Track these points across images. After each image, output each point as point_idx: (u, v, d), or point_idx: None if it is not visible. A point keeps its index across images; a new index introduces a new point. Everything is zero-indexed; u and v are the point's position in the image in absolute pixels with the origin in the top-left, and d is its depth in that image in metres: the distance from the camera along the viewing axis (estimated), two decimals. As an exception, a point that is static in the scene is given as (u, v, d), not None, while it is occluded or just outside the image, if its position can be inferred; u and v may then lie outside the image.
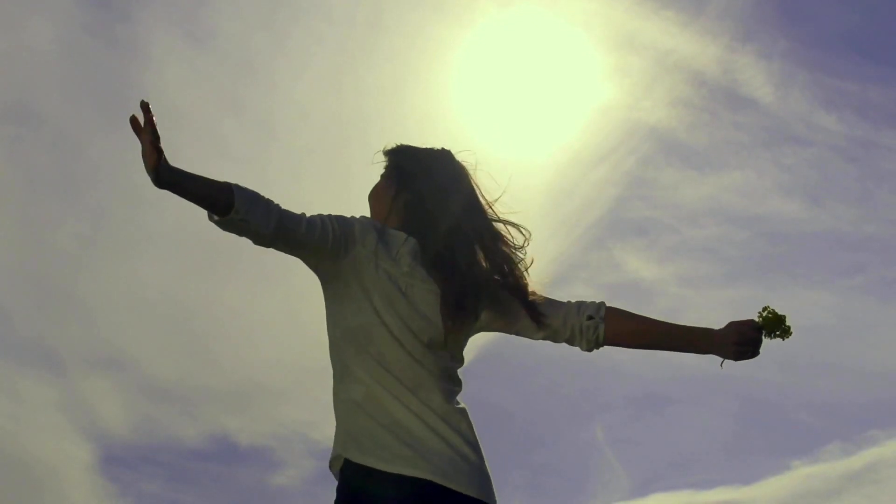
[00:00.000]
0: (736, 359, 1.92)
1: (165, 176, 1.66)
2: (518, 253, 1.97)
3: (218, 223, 1.72)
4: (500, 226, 1.99)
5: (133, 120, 1.66)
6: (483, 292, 1.92)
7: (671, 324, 1.96)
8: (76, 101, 7.90)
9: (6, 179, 7.91)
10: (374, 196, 2.07)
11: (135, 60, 7.75)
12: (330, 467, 1.86)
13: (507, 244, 1.98)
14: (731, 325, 1.92)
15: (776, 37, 8.53)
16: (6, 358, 7.72)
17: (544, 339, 2.03)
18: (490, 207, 2.00)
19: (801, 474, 8.08)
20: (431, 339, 1.83)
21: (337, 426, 1.84)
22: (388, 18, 7.80)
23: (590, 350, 2.01)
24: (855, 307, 8.87)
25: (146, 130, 1.65)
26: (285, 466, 8.15)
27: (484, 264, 1.95)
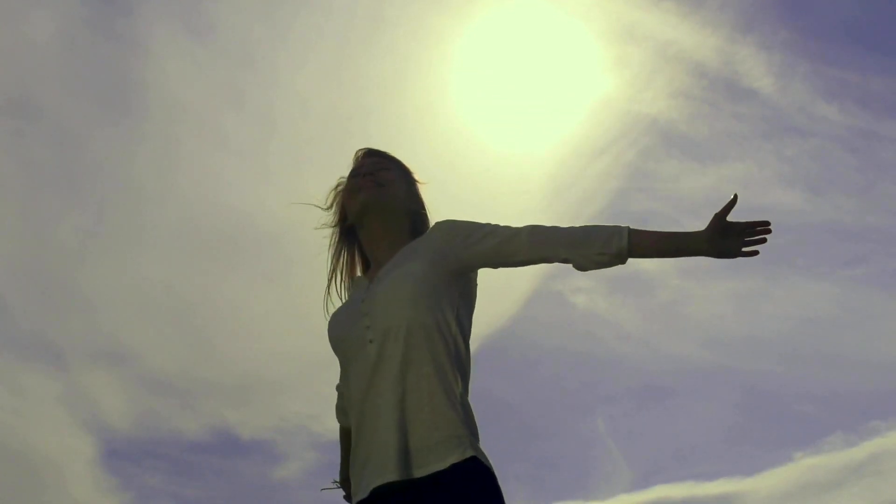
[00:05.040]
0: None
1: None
2: None
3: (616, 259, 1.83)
4: None
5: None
6: None
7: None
8: (77, 95, 7.89)
9: (7, 173, 7.91)
10: (397, 181, 2.06)
11: (135, 54, 7.74)
12: (457, 459, 1.71)
13: None
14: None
15: (777, 27, 8.51)
16: (7, 352, 7.74)
17: None
18: None
19: (803, 465, 8.09)
20: None
21: (452, 418, 1.74)
22: (388, 11, 7.78)
23: None
24: (857, 298, 8.87)
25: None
26: (287, 459, 8.17)
27: None
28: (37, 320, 7.97)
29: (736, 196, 1.79)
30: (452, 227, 1.95)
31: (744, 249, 1.81)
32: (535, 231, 1.89)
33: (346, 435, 2.17)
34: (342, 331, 1.90)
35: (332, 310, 2.06)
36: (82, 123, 7.90)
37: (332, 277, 2.12)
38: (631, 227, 1.82)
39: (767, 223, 1.80)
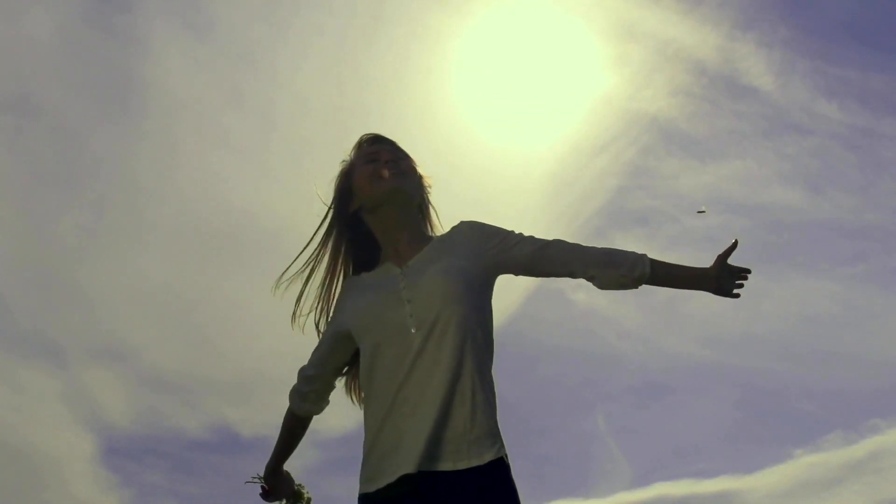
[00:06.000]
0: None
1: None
2: None
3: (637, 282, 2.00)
4: None
5: None
6: None
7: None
8: (77, 92, 7.89)
9: (7, 170, 7.91)
10: (415, 173, 2.08)
11: (135, 51, 7.74)
12: (493, 457, 1.75)
13: None
14: (287, 480, 2.23)
15: (777, 25, 8.51)
16: (8, 349, 7.74)
17: None
18: None
19: (803, 463, 8.09)
20: None
21: (489, 416, 1.79)
22: (388, 9, 7.78)
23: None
24: (856, 296, 8.87)
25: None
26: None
27: None
28: (37, 318, 7.97)
29: (736, 241, 1.99)
30: (485, 230, 2.01)
31: (734, 291, 2.02)
32: (564, 246, 1.99)
33: (296, 421, 2.15)
34: (378, 315, 1.87)
35: (308, 290, 2.08)
36: (82, 121, 7.90)
37: (328, 260, 2.10)
38: (648, 255, 1.98)
39: (749, 270, 2.02)
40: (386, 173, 2.00)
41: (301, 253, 2.10)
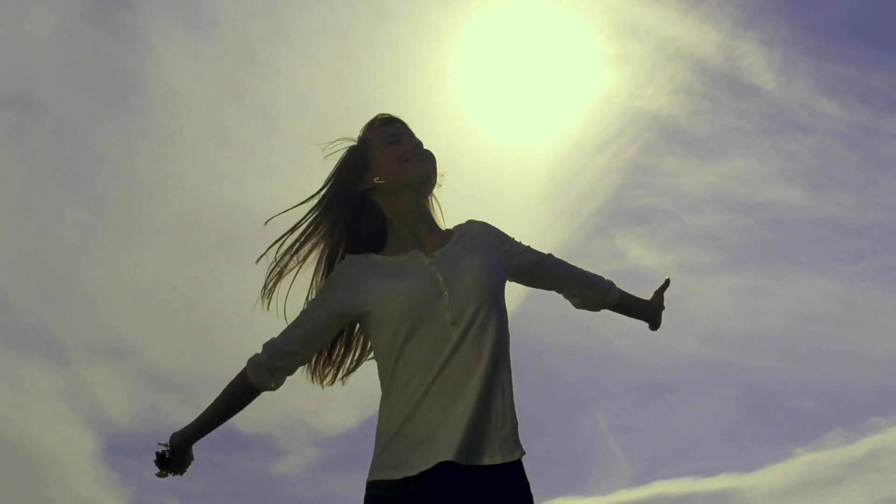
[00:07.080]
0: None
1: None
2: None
3: (607, 305, 2.26)
4: None
5: None
6: None
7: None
8: (77, 90, 7.89)
9: (7, 167, 7.91)
10: (436, 161, 2.06)
11: (136, 49, 7.73)
12: (520, 455, 1.78)
13: None
14: (190, 456, 2.05)
15: (778, 23, 8.50)
16: (8, 346, 7.75)
17: None
18: None
19: (804, 461, 8.10)
20: None
21: (515, 414, 1.83)
22: (389, 6, 7.78)
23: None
24: (857, 294, 8.87)
25: None
26: (288, 454, 8.17)
27: None
28: (37, 315, 7.97)
29: (668, 280, 2.32)
30: (498, 233, 2.06)
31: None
32: (558, 263, 2.14)
33: (248, 394, 1.99)
34: (414, 303, 1.82)
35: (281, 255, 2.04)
36: (82, 118, 7.90)
37: (320, 232, 2.04)
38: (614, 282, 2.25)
39: (664, 307, 2.36)
40: (419, 155, 1.99)
41: (297, 206, 2.04)
